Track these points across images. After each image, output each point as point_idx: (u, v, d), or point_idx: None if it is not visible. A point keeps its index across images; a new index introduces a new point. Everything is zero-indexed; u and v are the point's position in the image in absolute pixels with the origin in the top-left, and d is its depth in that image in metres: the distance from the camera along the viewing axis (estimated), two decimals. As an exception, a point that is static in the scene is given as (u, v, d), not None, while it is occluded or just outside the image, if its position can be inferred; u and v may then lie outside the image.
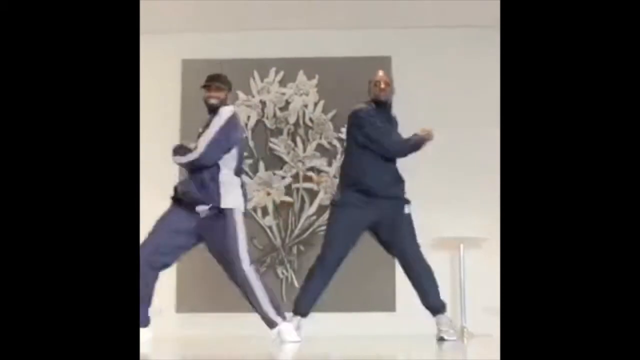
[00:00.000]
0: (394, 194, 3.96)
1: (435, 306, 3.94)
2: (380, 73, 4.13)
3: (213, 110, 3.81)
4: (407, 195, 4.05)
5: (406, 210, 3.98)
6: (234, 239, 3.66)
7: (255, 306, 3.65)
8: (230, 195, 3.72)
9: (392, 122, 4.11)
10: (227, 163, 3.76)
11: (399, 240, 3.95)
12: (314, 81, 5.58)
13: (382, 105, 4.05)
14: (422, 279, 3.94)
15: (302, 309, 3.92)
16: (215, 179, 3.70)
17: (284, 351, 3.20)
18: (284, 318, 3.67)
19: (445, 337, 3.87)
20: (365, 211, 3.90)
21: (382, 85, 4.04)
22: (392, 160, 4.02)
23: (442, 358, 2.87)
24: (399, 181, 4.02)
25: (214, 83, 3.85)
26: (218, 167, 3.72)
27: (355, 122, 3.98)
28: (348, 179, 3.98)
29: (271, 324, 3.65)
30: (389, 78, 4.14)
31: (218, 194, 3.68)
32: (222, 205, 3.67)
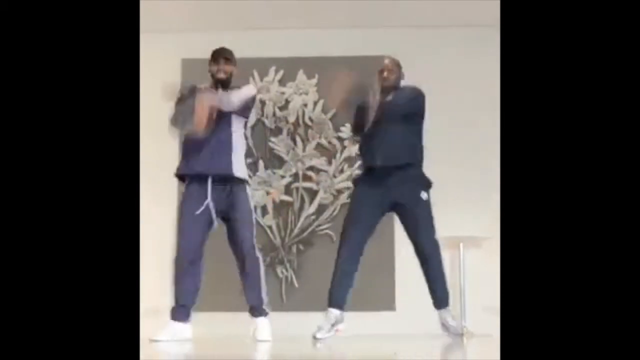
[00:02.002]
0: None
1: (437, 299, 3.93)
2: (386, 61, 4.07)
3: (221, 85, 3.80)
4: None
5: (423, 196, 3.96)
6: (249, 212, 3.82)
7: (254, 290, 3.76)
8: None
9: (392, 99, 3.98)
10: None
11: (413, 226, 3.94)
12: (314, 80, 5.58)
13: (386, 91, 3.98)
14: (429, 270, 3.92)
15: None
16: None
17: (282, 351, 3.21)
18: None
19: (452, 330, 3.85)
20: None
21: (385, 74, 4.00)
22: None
23: (442, 358, 2.88)
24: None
25: (221, 55, 3.83)
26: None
27: None
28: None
29: (260, 312, 3.76)
30: (395, 64, 4.07)
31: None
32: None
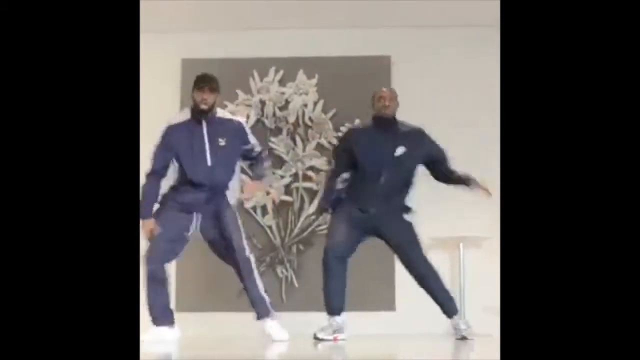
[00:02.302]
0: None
1: (445, 310, 3.94)
2: (384, 89, 4.06)
3: (202, 114, 3.76)
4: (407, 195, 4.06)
5: (406, 217, 3.98)
6: (238, 229, 3.79)
7: (254, 292, 3.73)
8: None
9: (394, 138, 3.99)
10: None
11: (401, 250, 3.97)
12: (314, 80, 5.58)
13: (385, 122, 3.99)
14: (429, 286, 3.93)
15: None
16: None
17: (284, 351, 3.21)
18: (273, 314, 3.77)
19: (467, 336, 3.83)
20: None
21: (387, 102, 3.95)
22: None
23: (442, 358, 2.87)
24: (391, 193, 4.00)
25: (207, 84, 3.74)
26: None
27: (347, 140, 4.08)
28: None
29: (266, 312, 3.72)
30: (393, 93, 4.05)
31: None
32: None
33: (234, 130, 3.85)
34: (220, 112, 3.92)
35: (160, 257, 3.69)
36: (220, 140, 3.77)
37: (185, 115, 3.85)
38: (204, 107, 3.73)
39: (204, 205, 3.76)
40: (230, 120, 3.90)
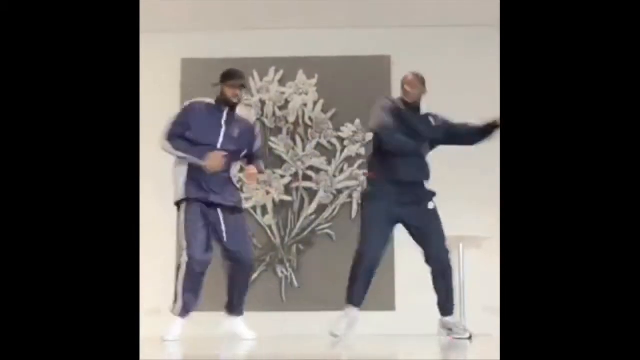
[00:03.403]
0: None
1: (441, 308, 3.94)
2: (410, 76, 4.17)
3: (228, 105, 3.89)
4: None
5: (430, 205, 3.95)
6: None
7: (244, 291, 4.00)
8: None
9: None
10: None
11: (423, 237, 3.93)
12: (314, 80, 5.58)
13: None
14: (436, 278, 3.92)
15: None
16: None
17: (282, 350, 3.21)
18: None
19: (456, 336, 3.84)
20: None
21: (407, 88, 4.11)
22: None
23: (442, 358, 2.88)
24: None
25: (240, 81, 3.91)
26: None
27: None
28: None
29: (239, 311, 3.99)
30: (418, 79, 4.16)
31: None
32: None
33: (248, 129, 3.98)
34: (238, 109, 4.02)
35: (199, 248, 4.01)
36: (235, 131, 3.90)
37: (209, 100, 3.96)
38: (235, 101, 3.89)
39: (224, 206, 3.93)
40: (246, 120, 4.02)
